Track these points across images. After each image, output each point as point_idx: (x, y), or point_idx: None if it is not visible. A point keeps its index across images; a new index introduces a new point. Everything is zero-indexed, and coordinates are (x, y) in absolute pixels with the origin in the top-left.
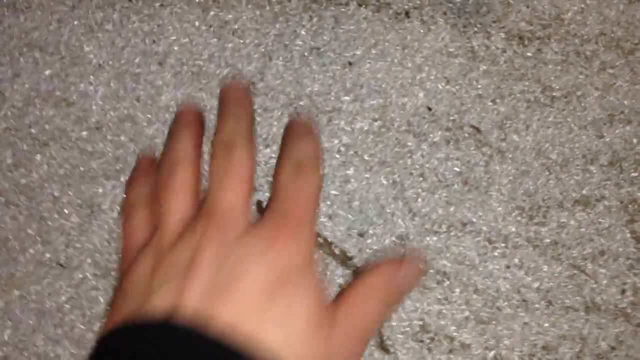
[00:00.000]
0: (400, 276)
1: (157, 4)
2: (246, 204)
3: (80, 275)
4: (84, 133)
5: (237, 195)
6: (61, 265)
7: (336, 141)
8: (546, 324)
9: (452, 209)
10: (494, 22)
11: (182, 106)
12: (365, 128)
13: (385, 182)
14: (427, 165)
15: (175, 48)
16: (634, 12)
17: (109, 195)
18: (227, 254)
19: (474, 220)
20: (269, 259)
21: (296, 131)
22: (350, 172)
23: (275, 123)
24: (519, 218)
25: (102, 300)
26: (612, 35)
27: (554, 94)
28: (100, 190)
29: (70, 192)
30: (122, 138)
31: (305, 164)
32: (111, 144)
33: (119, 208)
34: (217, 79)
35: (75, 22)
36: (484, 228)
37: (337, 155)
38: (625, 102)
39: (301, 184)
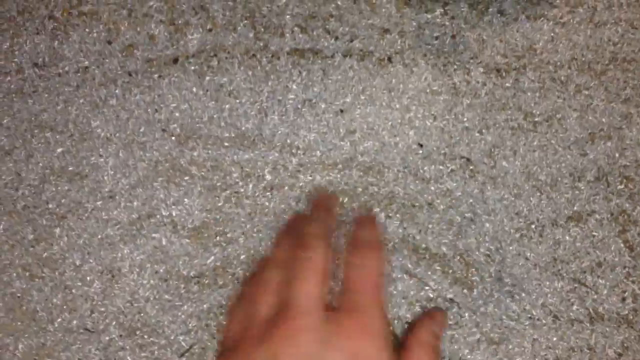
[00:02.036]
0: (439, 326)
1: (156, 76)
2: (321, 294)
3: (107, 338)
4: (99, 203)
5: (314, 287)
6: (88, 330)
7: (330, 187)
8: (554, 338)
9: (453, 236)
10: (472, 58)
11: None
12: (360, 174)
13: (384, 217)
14: (423, 198)
15: (177, 114)
16: (600, 35)
17: (127, 259)
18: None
19: (473, 246)
20: (346, 355)
21: (361, 222)
22: (346, 208)
23: (267, 169)
24: (517, 239)
25: (129, 359)
26: (583, 59)
27: (536, 119)
28: (119, 255)
29: (91, 260)
30: (135, 203)
31: (368, 247)
32: (125, 210)
33: (136, 269)
34: (216, 138)
35: (81, 101)
36: (485, 251)
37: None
38: (604, 119)
39: (368, 270)
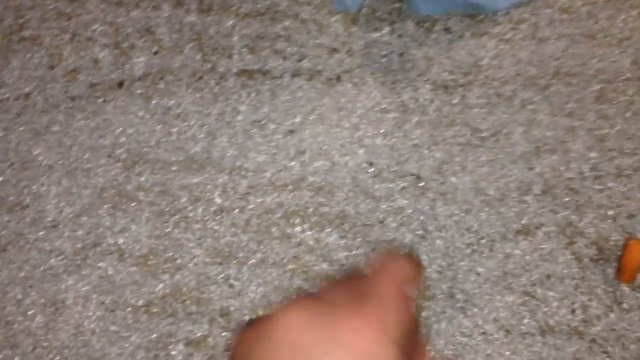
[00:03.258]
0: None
1: (100, 100)
2: None
3: None
4: (41, 233)
5: None
6: None
7: (281, 209)
8: (507, 352)
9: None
10: (419, 75)
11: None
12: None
13: (336, 237)
14: (374, 217)
15: (122, 139)
16: (543, 50)
17: (72, 291)
18: None
19: (426, 264)
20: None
21: (402, 260)
22: (297, 229)
23: (217, 192)
24: (468, 255)
25: None
26: (527, 74)
27: (483, 134)
28: (63, 287)
29: (33, 293)
30: (80, 232)
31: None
32: (69, 240)
33: (82, 300)
34: (164, 162)
35: (22, 128)
36: (437, 268)
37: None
38: (548, 133)
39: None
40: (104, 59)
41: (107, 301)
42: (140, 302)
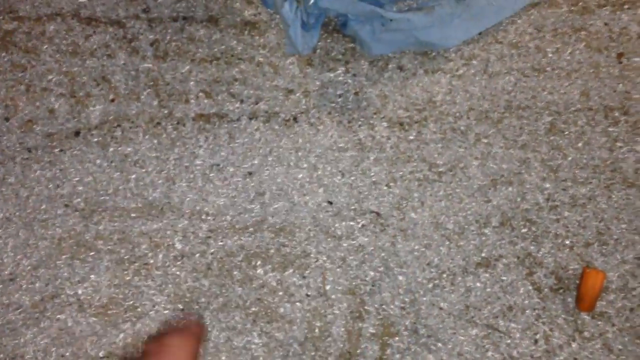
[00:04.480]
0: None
1: (57, 150)
2: None
3: None
4: None
5: None
6: None
7: (243, 251)
8: None
9: (369, 289)
10: (375, 113)
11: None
12: (271, 237)
13: (299, 277)
14: (336, 255)
15: (80, 188)
16: (495, 85)
17: (31, 345)
18: None
19: (388, 300)
20: None
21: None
22: (260, 271)
23: (177, 237)
24: (430, 289)
25: None
26: (480, 108)
27: (440, 169)
28: (22, 341)
29: None
30: (38, 285)
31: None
32: (27, 293)
33: (41, 354)
34: (123, 210)
35: None
36: (400, 304)
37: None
38: (504, 166)
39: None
40: (60, 108)
41: (67, 354)
42: (101, 354)
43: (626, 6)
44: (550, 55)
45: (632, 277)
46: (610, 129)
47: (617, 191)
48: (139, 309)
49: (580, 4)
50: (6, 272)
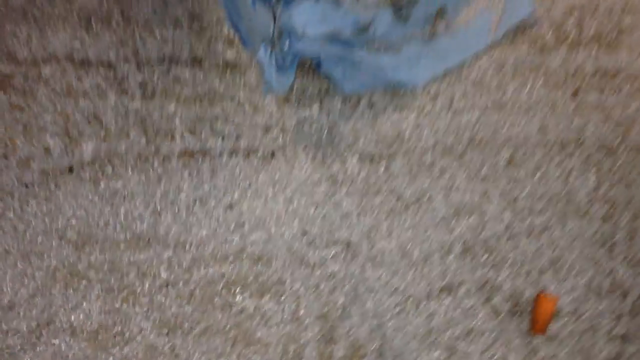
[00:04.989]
0: None
1: (52, 186)
2: None
3: None
4: None
5: None
6: None
7: (223, 279)
8: None
9: (340, 313)
10: (347, 148)
11: None
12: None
13: (273, 305)
14: (310, 282)
15: (73, 221)
16: (459, 121)
17: None
18: None
19: (357, 324)
20: None
21: None
22: (238, 298)
23: (163, 267)
24: (396, 314)
25: None
26: (445, 143)
27: (407, 200)
28: None
29: None
30: (34, 312)
31: None
32: (24, 320)
33: None
34: (113, 241)
35: None
36: (367, 328)
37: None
38: (466, 197)
39: None
40: (55, 146)
41: None
42: None
43: (582, 44)
44: (510, 92)
45: (583, 302)
46: (565, 163)
47: (570, 221)
48: (126, 334)
49: (539, 43)
50: (5, 301)
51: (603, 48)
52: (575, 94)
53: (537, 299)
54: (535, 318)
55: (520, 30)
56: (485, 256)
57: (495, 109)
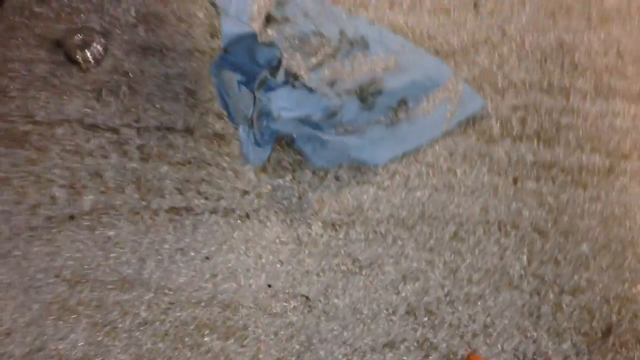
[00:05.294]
0: None
1: (54, 230)
2: None
3: None
4: None
5: None
6: None
7: (195, 321)
8: None
9: None
10: (313, 215)
11: None
12: (218, 311)
13: (237, 348)
14: (270, 330)
15: (70, 262)
16: (412, 196)
17: None
18: None
19: None
20: None
21: None
22: (207, 339)
23: (143, 307)
24: None
25: None
26: (399, 216)
27: (361, 264)
28: None
29: None
30: (28, 339)
31: None
32: (19, 346)
33: None
34: (102, 282)
35: None
36: None
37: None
38: (413, 264)
39: None
40: (60, 196)
41: None
42: None
43: (524, 138)
44: (459, 175)
45: None
46: (502, 240)
47: (503, 292)
48: None
49: (487, 134)
50: (4, 328)
51: (542, 142)
52: (515, 181)
53: (467, 358)
54: None
55: (470, 122)
56: (426, 318)
57: (444, 189)
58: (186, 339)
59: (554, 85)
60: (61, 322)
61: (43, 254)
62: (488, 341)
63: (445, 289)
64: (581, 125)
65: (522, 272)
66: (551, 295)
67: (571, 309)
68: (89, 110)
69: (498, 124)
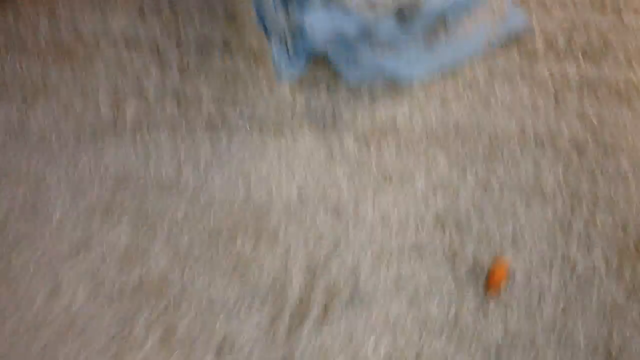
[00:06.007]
0: None
1: (99, 139)
2: None
3: None
4: None
5: None
6: None
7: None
8: None
9: None
10: (346, 129)
11: None
12: None
13: (267, 253)
14: (300, 237)
15: (112, 169)
16: (447, 113)
17: None
18: None
19: (335, 271)
20: None
21: None
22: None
23: (180, 211)
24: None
25: None
26: (432, 130)
27: (392, 176)
28: None
29: None
30: (76, 233)
31: None
32: (66, 239)
33: None
34: None
35: None
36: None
37: None
38: (445, 177)
39: None
40: (104, 108)
41: None
42: None
43: (569, 55)
44: (497, 92)
45: (534, 273)
46: (536, 155)
47: (535, 206)
48: (148, 258)
49: (530, 52)
50: (54, 219)
51: (588, 59)
52: (556, 97)
53: (493, 262)
54: (490, 281)
55: (513, 39)
56: (454, 228)
57: (481, 106)
58: (219, 242)
59: (606, 2)
60: (105, 222)
61: (87, 160)
62: (515, 252)
63: (475, 202)
64: (631, 42)
65: (557, 187)
66: (585, 211)
67: (605, 225)
68: (131, 27)
69: (542, 41)
